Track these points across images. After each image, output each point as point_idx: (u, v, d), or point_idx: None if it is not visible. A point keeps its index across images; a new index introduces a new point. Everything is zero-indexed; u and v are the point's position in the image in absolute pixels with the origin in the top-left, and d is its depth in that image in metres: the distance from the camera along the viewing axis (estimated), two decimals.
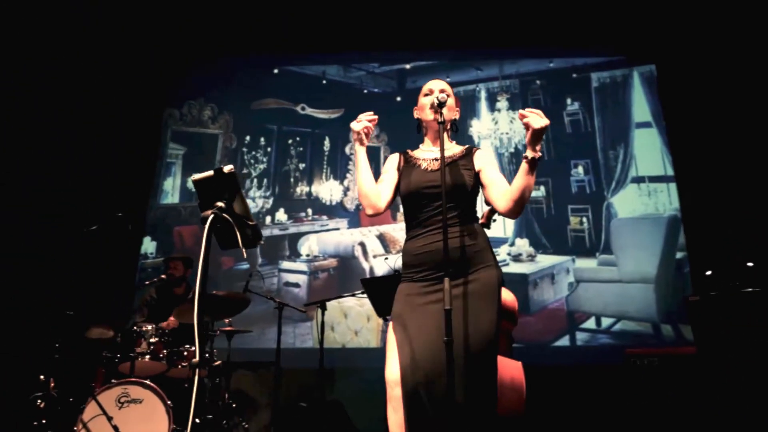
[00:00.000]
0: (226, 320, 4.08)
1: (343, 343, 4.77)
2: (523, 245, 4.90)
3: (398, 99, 5.41)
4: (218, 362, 3.81)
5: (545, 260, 4.85)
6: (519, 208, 2.02)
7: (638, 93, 5.21)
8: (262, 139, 5.37)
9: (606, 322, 4.68)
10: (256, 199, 5.21)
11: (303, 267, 4.97)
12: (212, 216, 1.80)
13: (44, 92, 4.80)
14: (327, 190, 5.21)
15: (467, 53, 5.43)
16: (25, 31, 4.73)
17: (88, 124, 5.02)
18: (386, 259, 4.80)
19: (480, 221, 3.82)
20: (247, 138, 5.37)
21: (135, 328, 3.55)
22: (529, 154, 1.93)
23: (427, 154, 2.25)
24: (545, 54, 5.36)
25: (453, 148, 2.26)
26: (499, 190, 2.08)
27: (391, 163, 2.29)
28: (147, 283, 4.06)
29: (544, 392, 4.36)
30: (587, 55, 5.33)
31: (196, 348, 1.64)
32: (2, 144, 4.52)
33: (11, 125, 4.58)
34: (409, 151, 2.33)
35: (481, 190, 2.18)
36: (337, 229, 5.09)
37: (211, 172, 1.87)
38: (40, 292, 4.20)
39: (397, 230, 5.02)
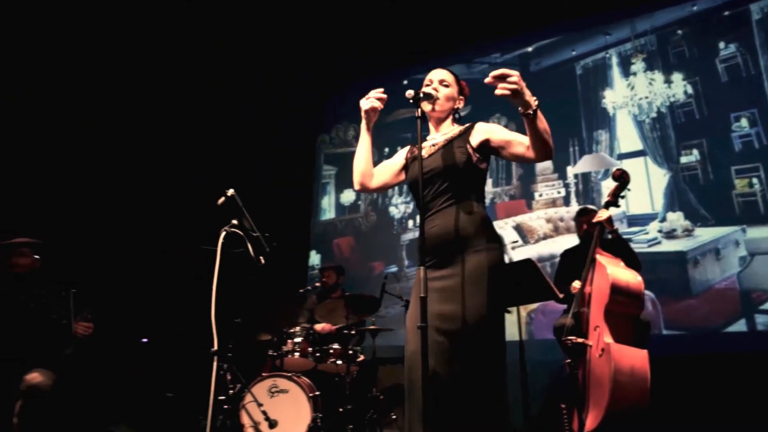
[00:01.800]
0: (371, 319, 4.51)
1: None
2: (676, 219, 4.37)
3: None
4: (361, 357, 4.25)
5: (706, 234, 4.24)
6: (547, 150, 2.00)
7: None
8: (399, 148, 5.70)
9: None
10: (399, 206, 5.57)
11: None
12: (224, 233, 2.17)
13: (222, 130, 5.82)
14: None
15: (592, 19, 5.04)
16: (192, 63, 5.69)
17: (256, 156, 5.95)
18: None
19: (607, 199, 3.63)
20: (386, 150, 5.77)
21: (284, 330, 4.18)
22: (522, 110, 1.92)
23: (427, 142, 2.33)
24: None
25: (451, 131, 2.29)
26: (520, 144, 2.07)
27: (400, 152, 2.41)
28: (301, 291, 4.69)
29: (718, 384, 3.85)
30: None
31: (214, 338, 2.01)
32: (184, 178, 5.59)
33: (189, 163, 5.62)
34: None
35: (500, 156, 2.18)
36: None
37: (222, 198, 2.25)
38: (219, 304, 5.11)
39: (534, 219, 4.90)
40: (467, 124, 2.30)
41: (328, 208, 5.94)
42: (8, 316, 2.83)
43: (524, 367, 3.62)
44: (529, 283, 3.57)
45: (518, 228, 4.94)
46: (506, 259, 4.94)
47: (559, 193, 4.85)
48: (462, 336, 1.97)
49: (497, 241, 2.13)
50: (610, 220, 3.63)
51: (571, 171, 4.85)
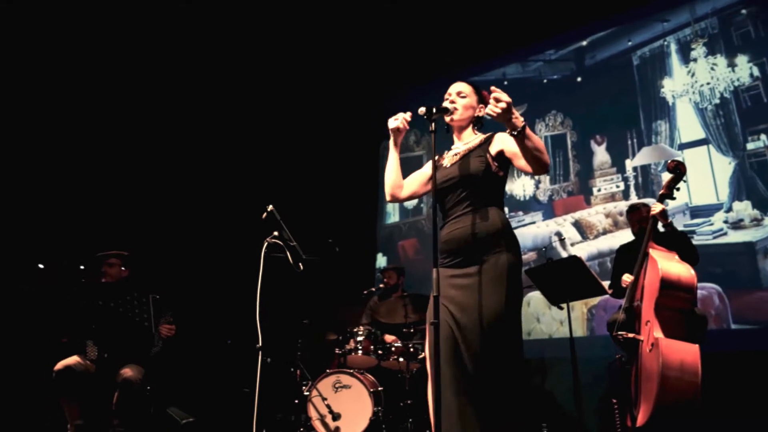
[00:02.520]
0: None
1: (549, 334, 4.83)
2: (743, 209, 4.17)
3: (578, 80, 5.21)
4: (422, 355, 4.43)
5: None
6: (541, 164, 2.11)
7: None
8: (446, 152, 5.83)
9: None
10: None
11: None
12: (267, 243, 2.44)
13: (289, 140, 6.21)
14: (520, 186, 5.35)
15: (649, 8, 4.90)
16: (260, 72, 6.07)
17: (323, 164, 6.29)
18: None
19: (661, 192, 3.62)
20: (445, 152, 5.90)
21: (348, 329, 4.45)
22: (510, 130, 2.04)
23: (451, 152, 2.48)
24: None
25: (473, 140, 2.42)
26: (520, 159, 2.19)
27: (428, 163, 2.58)
28: (365, 292, 4.96)
29: None
30: None
31: (259, 334, 2.27)
32: (254, 188, 6.01)
33: (258, 173, 6.03)
34: (446, 150, 2.55)
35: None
36: (533, 222, 5.19)
37: (264, 213, 2.53)
38: (288, 307, 5.47)
39: (593, 215, 4.85)
40: (489, 134, 2.43)
41: (392, 212, 6.17)
42: (101, 320, 3.30)
43: (575, 363, 3.64)
44: (577, 280, 3.60)
45: (577, 224, 4.91)
46: (565, 257, 4.94)
47: (617, 187, 4.77)
48: (479, 331, 2.12)
49: (515, 245, 2.27)
50: (664, 213, 3.58)
51: (629, 164, 4.75)
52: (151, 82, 5.46)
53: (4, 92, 4.67)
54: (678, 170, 3.59)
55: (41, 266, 3.45)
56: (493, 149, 2.32)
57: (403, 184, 2.56)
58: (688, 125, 4.54)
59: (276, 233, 2.53)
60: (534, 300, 4.93)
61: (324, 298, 5.47)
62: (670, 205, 4.47)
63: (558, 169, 5.14)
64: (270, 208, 2.53)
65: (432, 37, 5.87)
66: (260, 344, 2.25)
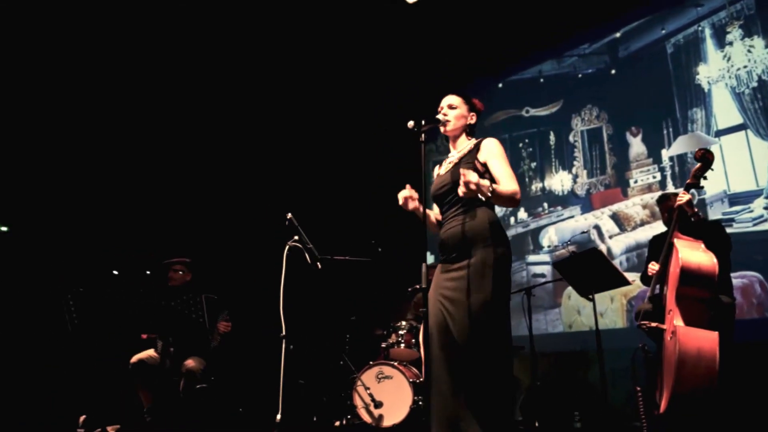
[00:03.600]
0: None
1: (590, 326, 4.88)
2: None
3: (612, 72, 5.22)
4: None
5: None
6: (511, 205, 2.37)
7: None
8: None
9: None
10: None
11: (546, 258, 5.32)
12: (288, 246, 2.78)
13: (341, 143, 6.58)
14: (558, 181, 5.43)
15: None
16: (306, 76, 6.47)
17: (373, 167, 6.61)
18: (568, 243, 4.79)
19: (687, 181, 3.68)
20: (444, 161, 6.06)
21: (392, 324, 4.75)
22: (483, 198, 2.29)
23: (447, 159, 2.72)
24: None
25: (466, 147, 2.64)
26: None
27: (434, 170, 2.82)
28: (409, 289, 5.23)
29: None
30: None
31: (282, 325, 2.61)
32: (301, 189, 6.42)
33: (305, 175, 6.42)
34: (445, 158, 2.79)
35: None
36: (572, 216, 5.25)
37: (286, 222, 2.86)
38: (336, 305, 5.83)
39: (630, 206, 4.85)
40: (478, 140, 2.64)
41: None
42: (166, 319, 3.81)
43: (601, 354, 3.75)
44: (599, 271, 3.69)
45: (614, 216, 4.93)
46: (604, 249, 4.98)
47: (654, 177, 4.75)
48: (468, 319, 2.35)
49: (502, 240, 2.49)
50: (689, 203, 3.60)
51: (665, 154, 4.72)
52: (203, 98, 6.00)
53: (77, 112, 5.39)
54: (705, 158, 3.59)
55: (115, 272, 4.03)
56: (481, 157, 2.54)
57: (436, 219, 2.79)
58: (725, 111, 4.46)
59: (296, 237, 2.88)
60: (575, 293, 5.01)
61: (373, 295, 5.80)
62: (708, 193, 4.45)
63: (595, 163, 5.17)
64: (289, 216, 2.88)
65: (469, 39, 6.04)
66: (284, 333, 2.59)
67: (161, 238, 5.03)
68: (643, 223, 4.74)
